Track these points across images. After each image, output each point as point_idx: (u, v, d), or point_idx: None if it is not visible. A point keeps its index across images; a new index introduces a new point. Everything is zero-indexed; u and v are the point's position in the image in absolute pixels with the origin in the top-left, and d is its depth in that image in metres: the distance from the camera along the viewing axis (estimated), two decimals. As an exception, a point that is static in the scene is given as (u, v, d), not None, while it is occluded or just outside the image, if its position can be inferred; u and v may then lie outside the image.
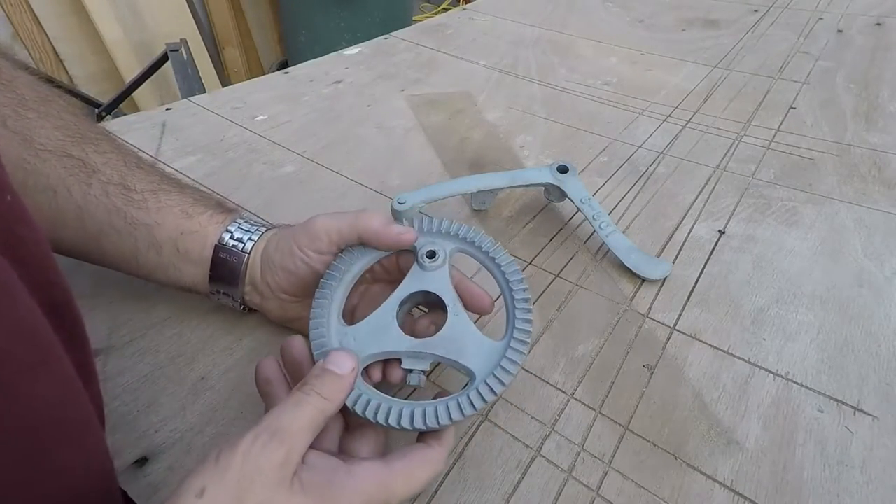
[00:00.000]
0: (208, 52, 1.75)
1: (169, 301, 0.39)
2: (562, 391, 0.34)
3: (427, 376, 0.30)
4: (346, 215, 0.32)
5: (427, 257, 0.31)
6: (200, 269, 0.34)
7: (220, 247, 0.34)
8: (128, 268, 0.35)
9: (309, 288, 0.33)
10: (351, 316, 0.35)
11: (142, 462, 0.30)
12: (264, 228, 0.35)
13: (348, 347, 0.30)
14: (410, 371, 0.29)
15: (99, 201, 0.33)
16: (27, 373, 0.17)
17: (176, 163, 0.54)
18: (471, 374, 0.28)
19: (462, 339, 0.29)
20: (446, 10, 2.29)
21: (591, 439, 0.31)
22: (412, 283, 0.31)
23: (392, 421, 0.26)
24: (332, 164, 0.55)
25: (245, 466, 0.21)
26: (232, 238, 0.34)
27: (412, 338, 0.30)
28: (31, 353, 0.18)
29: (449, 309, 0.30)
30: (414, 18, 1.97)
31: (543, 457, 0.30)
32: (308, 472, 0.23)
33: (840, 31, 0.89)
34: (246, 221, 0.35)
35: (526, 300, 0.30)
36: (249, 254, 0.34)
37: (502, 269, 0.31)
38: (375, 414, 0.26)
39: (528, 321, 0.29)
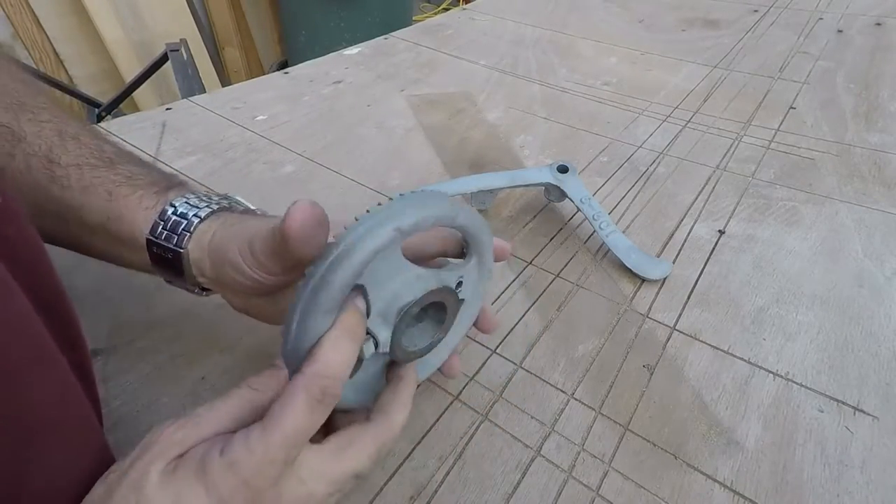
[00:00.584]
0: (208, 52, 1.75)
1: (169, 301, 0.39)
2: (562, 391, 0.34)
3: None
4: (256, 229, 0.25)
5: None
6: (142, 255, 0.29)
7: (151, 241, 0.28)
8: (80, 250, 0.32)
9: (276, 290, 0.27)
10: None
11: (142, 462, 0.30)
12: (207, 210, 0.28)
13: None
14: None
15: (22, 177, 0.28)
16: (23, 370, 0.17)
17: (176, 163, 0.54)
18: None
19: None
20: (446, 10, 2.29)
21: (591, 439, 0.31)
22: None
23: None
24: (332, 164, 0.55)
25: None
26: (165, 228, 0.28)
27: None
28: (27, 351, 0.18)
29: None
30: (414, 18, 1.97)
31: (543, 457, 0.30)
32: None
33: (840, 31, 0.89)
34: (186, 202, 0.29)
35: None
36: (185, 249, 0.28)
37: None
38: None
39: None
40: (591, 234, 0.46)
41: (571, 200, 0.45)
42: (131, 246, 0.29)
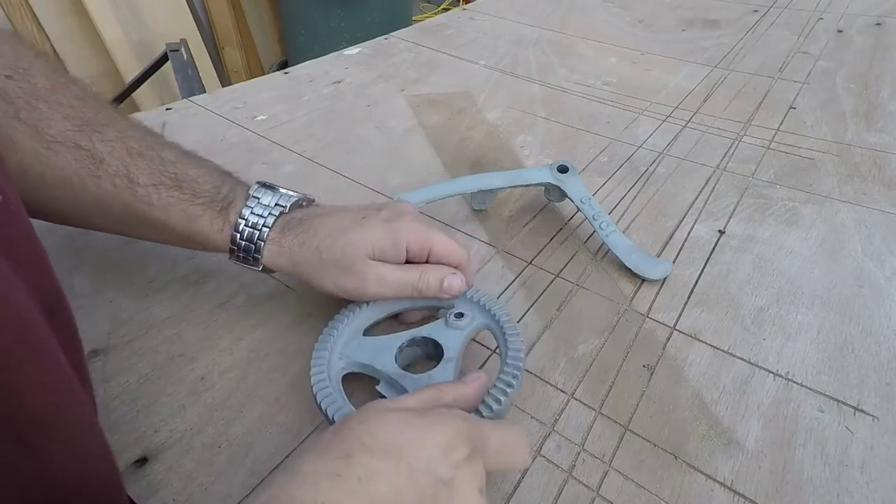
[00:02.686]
0: (208, 52, 1.75)
1: (169, 301, 0.39)
2: (562, 391, 0.34)
3: None
4: (403, 275, 0.34)
5: (455, 317, 0.34)
6: (224, 254, 0.35)
7: (232, 256, 0.35)
8: (168, 242, 0.37)
9: None
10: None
11: (142, 462, 0.30)
12: (266, 230, 0.34)
13: (347, 351, 0.33)
14: (381, 396, 0.31)
15: (111, 195, 0.33)
16: (18, 369, 0.17)
17: (176, 163, 0.54)
18: None
19: None
20: (446, 10, 2.29)
21: (591, 439, 0.31)
22: (430, 330, 0.34)
23: None
24: (332, 164, 0.55)
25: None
26: (239, 251, 0.34)
27: (399, 368, 0.32)
28: (23, 351, 0.18)
29: (442, 362, 0.32)
30: (414, 18, 1.97)
31: (543, 457, 0.30)
32: None
33: (840, 31, 0.89)
34: (245, 223, 0.34)
35: (506, 392, 0.29)
36: (262, 258, 0.34)
37: (509, 356, 0.31)
38: None
39: (491, 409, 0.29)
40: (591, 234, 0.46)
41: (571, 200, 0.45)
42: (215, 249, 0.35)
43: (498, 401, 0.29)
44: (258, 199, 0.34)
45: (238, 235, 0.34)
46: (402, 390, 0.31)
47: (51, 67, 0.34)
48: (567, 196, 0.45)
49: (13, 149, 0.31)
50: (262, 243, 0.33)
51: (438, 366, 0.31)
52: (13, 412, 0.17)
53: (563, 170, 0.46)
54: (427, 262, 0.35)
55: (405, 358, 0.34)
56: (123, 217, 0.34)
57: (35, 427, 0.18)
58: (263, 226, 0.34)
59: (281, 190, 0.36)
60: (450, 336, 0.33)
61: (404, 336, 0.33)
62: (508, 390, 0.29)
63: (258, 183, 0.36)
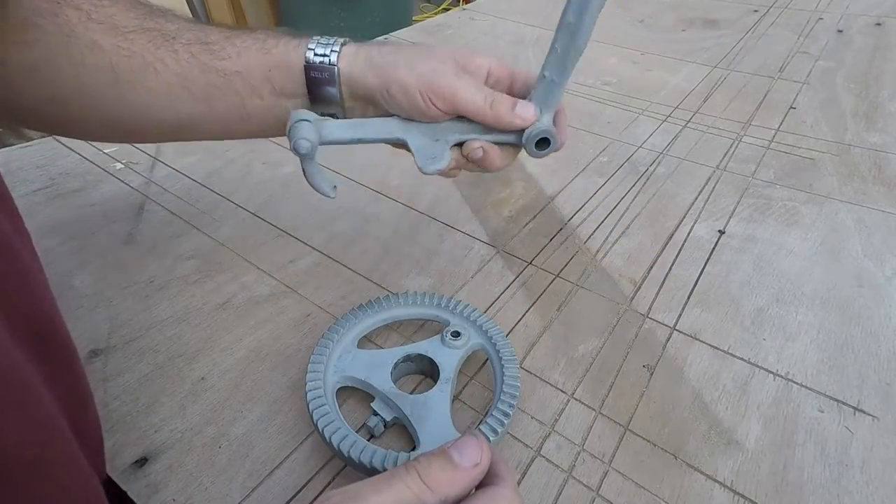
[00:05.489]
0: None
1: (169, 301, 0.39)
2: (562, 391, 0.34)
3: (385, 429, 0.31)
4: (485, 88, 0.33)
5: (452, 336, 0.33)
6: (300, 99, 0.35)
7: (308, 66, 0.34)
8: (243, 124, 0.36)
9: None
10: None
11: (142, 462, 0.30)
12: (342, 39, 0.35)
13: (342, 364, 0.33)
14: (375, 414, 0.31)
15: (191, 64, 0.34)
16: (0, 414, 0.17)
17: (176, 163, 0.54)
18: (416, 443, 0.29)
19: (432, 412, 0.30)
20: (446, 10, 2.29)
21: (591, 439, 0.31)
22: (426, 347, 0.33)
23: (388, 464, 0.27)
24: (331, 164, 0.55)
25: None
26: (315, 55, 0.34)
27: (395, 385, 0.32)
28: (4, 394, 0.17)
29: (439, 383, 0.31)
30: (414, 18, 1.97)
31: (543, 457, 0.30)
32: None
33: (840, 31, 0.89)
34: (321, 37, 0.35)
35: (506, 415, 0.29)
36: (338, 65, 0.34)
37: (505, 383, 0.31)
38: (359, 456, 0.27)
39: (496, 433, 0.29)
40: (592, 234, 0.46)
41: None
42: (292, 89, 0.34)
43: (494, 431, 0.29)
44: (319, 35, 0.35)
45: (315, 44, 0.34)
46: (396, 410, 0.31)
47: None
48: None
49: (98, 51, 0.32)
50: (341, 45, 0.34)
51: (435, 387, 0.31)
52: None
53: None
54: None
55: (399, 374, 0.34)
56: (203, 82, 0.34)
57: (11, 466, 0.18)
58: (336, 40, 0.34)
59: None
60: (446, 355, 0.33)
61: (399, 352, 0.33)
62: (505, 420, 0.29)
63: None
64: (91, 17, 0.32)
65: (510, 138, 0.32)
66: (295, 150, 0.31)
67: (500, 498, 0.21)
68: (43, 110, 0.33)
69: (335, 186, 0.34)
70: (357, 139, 0.33)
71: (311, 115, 0.33)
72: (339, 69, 0.34)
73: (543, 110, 0.32)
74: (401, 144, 0.34)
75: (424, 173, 0.33)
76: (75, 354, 0.23)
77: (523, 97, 0.33)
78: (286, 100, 0.35)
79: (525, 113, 0.32)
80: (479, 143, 0.33)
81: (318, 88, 0.34)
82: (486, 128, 0.32)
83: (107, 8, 0.33)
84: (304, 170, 0.33)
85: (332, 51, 0.34)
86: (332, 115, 0.35)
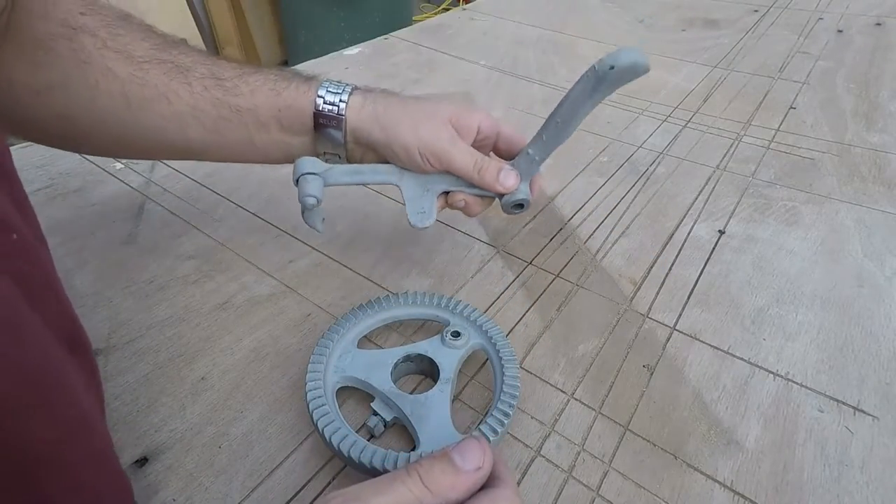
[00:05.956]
0: (208, 52, 1.75)
1: (169, 301, 0.39)
2: (562, 391, 0.34)
3: (385, 429, 0.31)
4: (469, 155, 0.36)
5: (452, 336, 0.33)
6: (306, 137, 0.37)
7: (317, 113, 0.36)
8: (249, 153, 0.38)
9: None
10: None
11: (142, 462, 0.30)
12: (349, 87, 0.37)
13: (342, 364, 0.32)
14: (375, 414, 0.31)
15: (204, 97, 0.35)
16: (21, 413, 0.17)
17: (176, 163, 0.54)
18: (416, 444, 0.29)
19: (432, 412, 0.30)
20: (446, 10, 2.29)
21: (591, 439, 0.31)
22: (426, 347, 0.33)
23: (388, 465, 0.27)
24: (332, 164, 0.55)
25: None
26: (325, 103, 0.36)
27: (394, 385, 0.31)
28: (29, 395, 0.17)
29: (439, 383, 0.31)
30: (414, 18, 1.97)
31: (543, 457, 0.30)
32: None
33: (840, 31, 0.89)
34: (331, 83, 0.37)
35: (506, 415, 0.29)
36: (346, 115, 0.36)
37: (505, 383, 0.31)
38: (359, 456, 0.27)
39: (496, 433, 0.29)
40: (592, 234, 0.46)
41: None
42: (299, 129, 0.37)
43: (494, 431, 0.29)
44: (329, 80, 0.38)
45: (325, 91, 0.36)
46: (396, 410, 0.31)
47: None
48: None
49: (112, 77, 0.33)
50: (349, 94, 0.36)
51: (435, 387, 0.31)
52: (19, 456, 0.17)
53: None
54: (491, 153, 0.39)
55: (399, 374, 0.34)
56: (214, 115, 0.36)
57: (37, 464, 0.18)
58: (344, 90, 0.36)
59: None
60: (446, 355, 0.33)
61: (399, 352, 0.33)
62: (505, 420, 0.29)
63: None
64: (107, 45, 0.33)
65: (490, 194, 0.37)
66: (302, 204, 0.35)
67: (500, 499, 0.22)
68: (52, 127, 0.34)
69: (324, 219, 0.38)
70: (357, 182, 0.37)
71: (318, 165, 0.36)
72: (346, 118, 0.36)
73: (523, 178, 0.36)
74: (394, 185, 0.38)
75: (414, 227, 0.36)
76: (96, 366, 0.24)
77: (506, 151, 0.38)
78: (293, 136, 0.37)
79: (507, 182, 0.36)
80: (462, 196, 0.37)
81: (325, 130, 0.36)
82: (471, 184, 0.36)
83: (122, 37, 0.34)
84: (303, 213, 0.37)
85: (341, 100, 0.36)
86: (334, 154, 0.38)
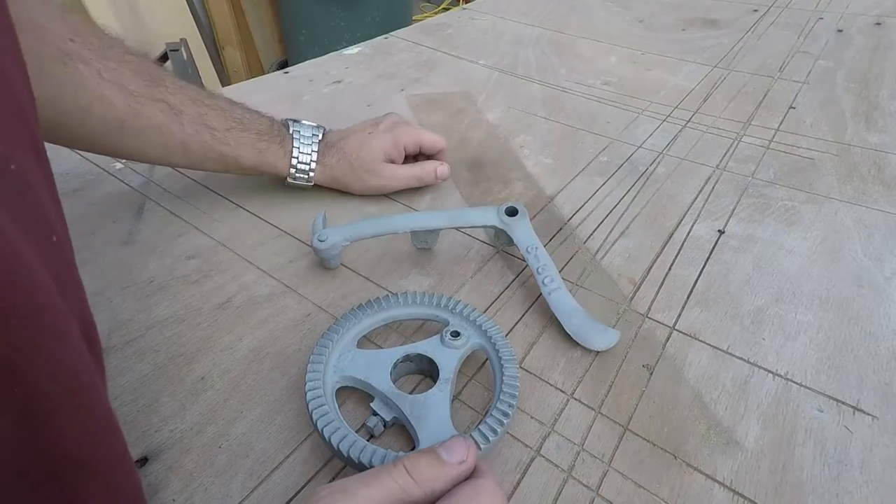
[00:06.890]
0: (208, 52, 1.75)
1: (169, 301, 0.39)
2: (561, 391, 0.34)
3: (384, 429, 0.31)
4: (393, 139, 0.48)
5: (451, 336, 0.33)
6: (283, 177, 0.47)
7: (291, 175, 0.47)
8: (230, 175, 0.48)
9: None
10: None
11: (142, 462, 0.30)
12: (316, 151, 0.47)
13: (341, 364, 0.32)
14: (375, 414, 0.31)
15: (193, 139, 0.40)
16: (60, 413, 0.17)
17: (176, 163, 0.54)
18: (416, 443, 0.29)
19: (432, 412, 0.30)
20: (446, 9, 2.29)
21: (591, 439, 0.31)
22: (425, 347, 0.33)
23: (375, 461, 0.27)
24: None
25: None
26: (298, 172, 0.46)
27: (394, 385, 0.31)
28: (69, 397, 0.18)
29: (439, 383, 0.31)
30: (414, 18, 1.97)
31: (543, 457, 0.30)
32: None
33: (840, 30, 0.89)
34: (300, 151, 0.46)
35: (506, 415, 0.29)
36: (313, 177, 0.47)
37: (504, 383, 0.31)
38: (359, 455, 0.27)
39: (495, 433, 0.29)
40: (591, 234, 0.46)
41: (518, 248, 0.40)
42: (276, 174, 0.47)
43: (494, 431, 0.29)
44: (299, 132, 0.46)
45: (296, 161, 0.46)
46: (396, 410, 0.31)
47: (94, 26, 0.38)
48: (513, 242, 0.41)
49: (109, 105, 0.35)
50: (315, 164, 0.47)
51: (435, 387, 0.31)
52: (46, 450, 0.17)
53: (511, 212, 0.41)
54: (418, 154, 0.51)
55: (399, 374, 0.34)
56: (201, 155, 0.42)
57: (63, 465, 0.18)
58: (311, 152, 0.46)
59: (304, 122, 0.47)
60: (445, 355, 0.33)
61: (399, 352, 0.33)
62: (504, 420, 0.29)
63: (288, 119, 0.47)
64: (103, 76, 0.35)
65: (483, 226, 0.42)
66: (328, 267, 0.42)
67: (482, 488, 0.22)
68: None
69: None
70: (372, 235, 0.42)
71: (340, 235, 0.40)
72: (314, 177, 0.48)
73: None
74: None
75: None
76: (101, 353, 0.24)
77: (431, 149, 0.51)
78: (270, 177, 0.48)
79: (443, 172, 0.51)
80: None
81: (298, 181, 0.48)
82: (458, 220, 0.42)
83: (115, 70, 0.36)
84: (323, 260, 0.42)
85: (310, 170, 0.47)
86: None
